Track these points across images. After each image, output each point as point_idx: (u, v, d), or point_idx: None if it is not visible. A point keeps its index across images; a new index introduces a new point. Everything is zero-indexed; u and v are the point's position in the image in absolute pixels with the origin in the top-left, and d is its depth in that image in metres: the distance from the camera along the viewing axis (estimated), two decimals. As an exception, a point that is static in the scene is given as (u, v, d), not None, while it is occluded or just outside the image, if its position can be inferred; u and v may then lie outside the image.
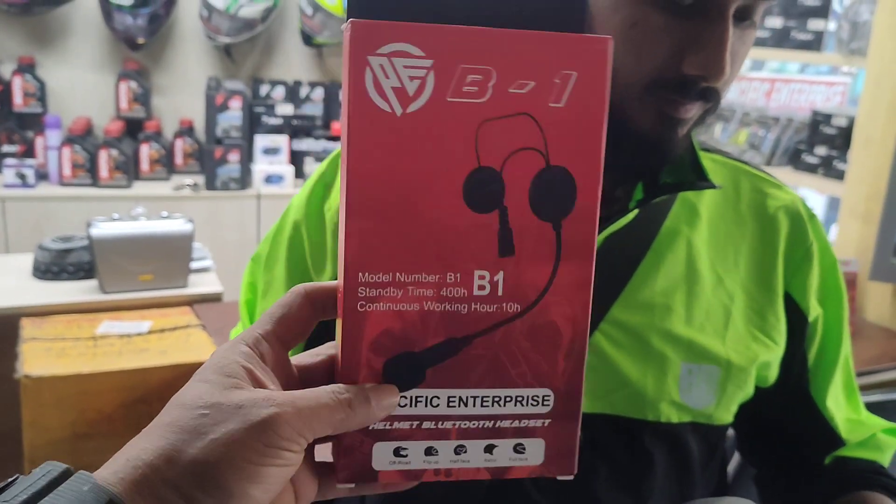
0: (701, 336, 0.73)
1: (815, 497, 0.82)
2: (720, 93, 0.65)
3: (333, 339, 0.42)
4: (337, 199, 0.76)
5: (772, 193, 0.80)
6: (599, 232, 0.70)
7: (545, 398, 0.41)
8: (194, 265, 1.88)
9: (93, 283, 1.77)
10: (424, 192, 0.37)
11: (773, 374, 0.79)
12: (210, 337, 1.60)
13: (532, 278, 0.39)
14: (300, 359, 0.43)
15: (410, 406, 0.40)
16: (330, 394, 0.38)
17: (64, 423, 1.38)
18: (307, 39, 3.23)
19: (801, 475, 0.85)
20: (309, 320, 0.41)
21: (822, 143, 2.36)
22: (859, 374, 1.76)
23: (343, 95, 0.36)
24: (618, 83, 0.62)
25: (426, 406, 0.40)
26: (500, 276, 0.39)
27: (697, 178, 0.73)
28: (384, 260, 0.38)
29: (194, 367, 1.27)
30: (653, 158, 0.69)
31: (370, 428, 0.39)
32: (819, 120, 2.39)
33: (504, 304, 0.39)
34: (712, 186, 0.72)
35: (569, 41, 0.37)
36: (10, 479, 0.35)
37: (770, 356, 0.77)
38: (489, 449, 0.41)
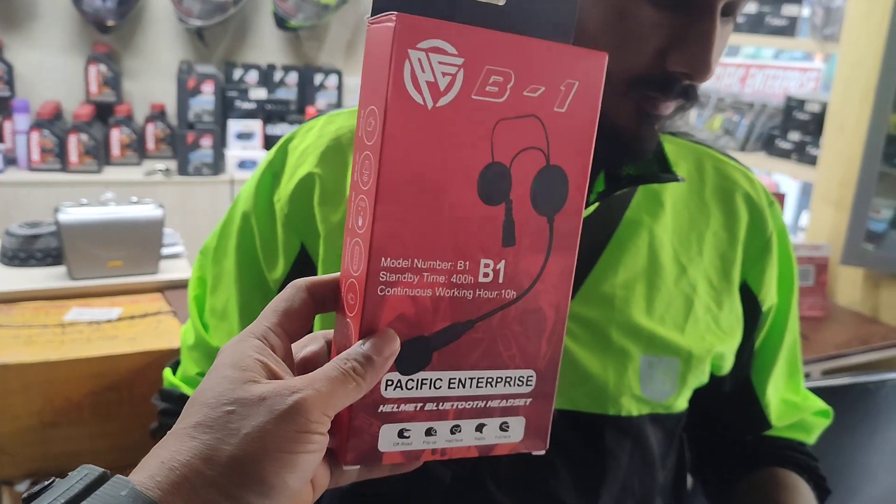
0: (661, 328, 0.72)
1: (732, 473, 0.85)
2: (698, 91, 0.64)
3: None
4: (286, 190, 0.74)
5: (735, 178, 0.80)
6: None
7: (529, 378, 0.44)
8: (165, 251, 1.85)
9: (61, 269, 1.74)
10: (445, 182, 0.39)
11: (727, 364, 0.80)
12: (181, 324, 1.58)
13: (527, 267, 0.42)
14: (297, 350, 0.43)
15: (416, 388, 0.42)
16: (336, 367, 0.38)
17: (31, 411, 1.36)
18: (280, 22, 3.19)
19: (725, 455, 0.86)
20: (311, 314, 0.42)
21: (796, 128, 2.37)
22: (830, 358, 1.78)
23: (375, 84, 0.38)
24: None
25: (430, 388, 0.42)
26: (501, 265, 0.41)
27: (660, 170, 0.72)
28: (405, 246, 0.39)
29: (165, 353, 1.24)
30: (625, 153, 0.68)
31: (379, 410, 0.41)
32: (792, 106, 2.40)
33: (503, 291, 0.42)
34: (675, 179, 0.71)
35: (574, 53, 0.40)
36: (46, 483, 0.35)
37: (725, 347, 0.77)
38: (480, 428, 0.44)
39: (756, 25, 2.53)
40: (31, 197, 2.75)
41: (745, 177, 0.80)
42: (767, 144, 2.49)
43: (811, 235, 2.19)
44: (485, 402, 0.43)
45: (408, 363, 0.41)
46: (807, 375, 1.76)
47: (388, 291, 0.39)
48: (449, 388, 0.42)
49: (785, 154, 2.41)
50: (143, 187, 2.84)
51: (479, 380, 0.43)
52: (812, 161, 2.27)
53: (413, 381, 0.41)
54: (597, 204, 0.70)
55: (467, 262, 0.41)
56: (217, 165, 3.02)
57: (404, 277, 0.40)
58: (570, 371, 0.70)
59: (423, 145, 0.38)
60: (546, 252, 0.42)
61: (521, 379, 0.44)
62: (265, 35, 3.33)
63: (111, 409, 1.42)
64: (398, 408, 0.41)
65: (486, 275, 0.41)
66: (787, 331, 0.83)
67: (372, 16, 0.39)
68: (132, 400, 1.43)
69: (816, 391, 0.93)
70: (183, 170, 2.97)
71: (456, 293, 0.41)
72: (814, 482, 0.83)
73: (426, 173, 0.39)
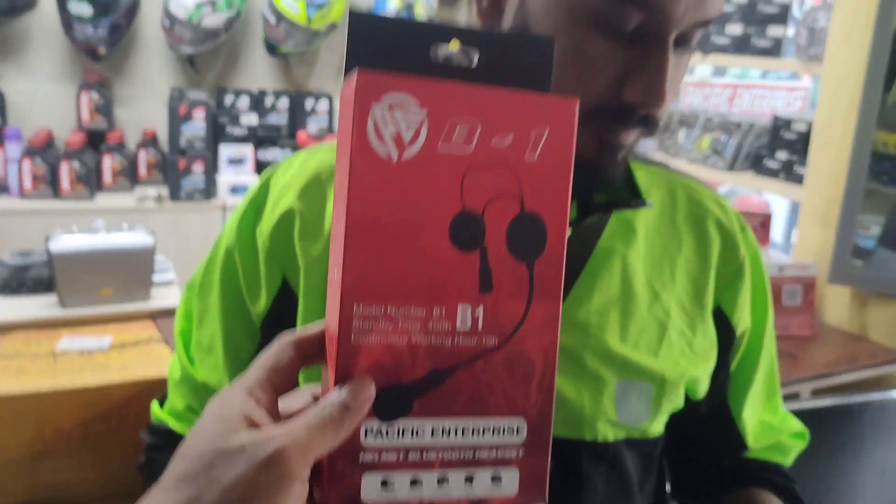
0: (635, 353, 0.73)
1: (710, 496, 0.86)
2: (658, 120, 0.65)
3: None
4: (267, 224, 0.75)
5: (707, 205, 0.81)
6: None
7: (518, 428, 0.43)
8: (157, 278, 1.86)
9: (52, 297, 1.74)
10: (416, 231, 0.40)
11: (702, 388, 0.80)
12: (172, 351, 1.58)
13: (508, 313, 0.42)
14: (286, 404, 0.44)
15: (398, 437, 0.41)
16: (313, 415, 0.39)
17: (21, 442, 1.35)
18: (271, 49, 3.21)
19: (703, 478, 0.87)
20: (297, 368, 0.43)
21: (783, 147, 2.39)
22: (819, 377, 1.79)
23: (343, 138, 0.39)
24: None
25: (412, 437, 0.41)
26: (480, 311, 0.41)
27: (631, 197, 0.73)
28: (378, 293, 0.40)
29: (155, 382, 1.24)
30: (591, 182, 0.69)
31: (360, 460, 0.41)
32: (780, 125, 2.42)
33: (483, 337, 0.42)
34: (643, 205, 0.72)
35: (543, 101, 0.41)
36: None
37: (699, 371, 0.78)
38: (469, 479, 0.42)
39: (742, 46, 2.56)
40: (23, 225, 2.75)
41: (717, 203, 0.82)
42: (755, 164, 2.52)
43: (799, 254, 2.21)
44: (472, 452, 0.42)
45: (387, 410, 0.41)
46: (796, 395, 1.76)
47: (363, 339, 0.40)
48: (432, 436, 0.42)
49: (773, 173, 2.43)
50: (134, 214, 2.85)
51: (465, 429, 0.42)
52: (799, 180, 2.29)
53: (394, 429, 0.41)
54: (569, 231, 0.71)
55: (443, 308, 0.41)
56: (209, 191, 3.03)
57: (379, 325, 0.40)
58: None
59: (391, 197, 0.39)
60: (528, 298, 0.42)
61: (510, 428, 0.43)
62: (256, 61, 3.35)
63: (101, 440, 1.41)
64: (380, 456, 0.41)
65: (464, 321, 0.41)
66: (763, 353, 0.84)
67: (345, 76, 0.40)
68: (122, 430, 1.43)
69: (801, 413, 0.94)
70: (175, 195, 2.98)
71: (434, 340, 0.41)
72: (791, 503, 0.84)
73: (396, 223, 0.40)
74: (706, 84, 2.88)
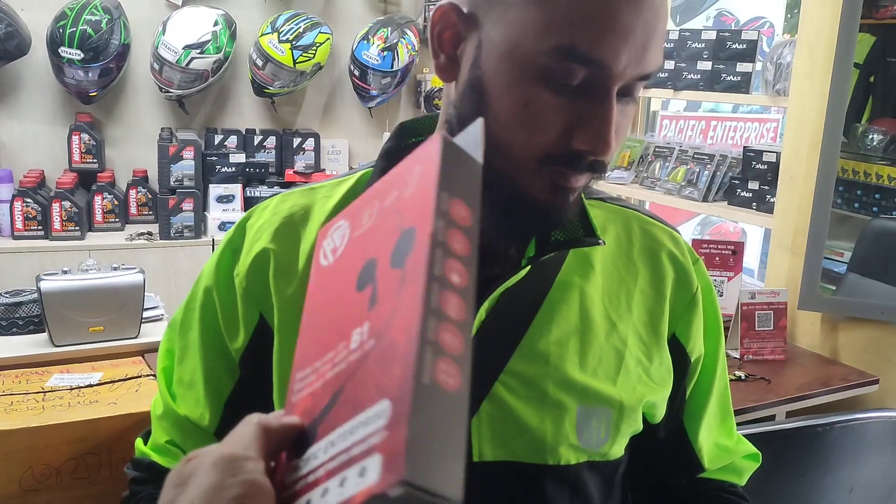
0: (594, 381, 0.77)
1: None
2: (606, 164, 0.70)
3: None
4: (244, 265, 0.81)
5: (660, 239, 0.85)
6: (494, 289, 0.75)
7: (384, 410, 0.40)
8: (146, 314, 1.90)
9: (43, 336, 1.78)
10: (339, 303, 0.50)
11: (660, 413, 0.85)
12: (160, 386, 1.62)
13: (385, 313, 0.43)
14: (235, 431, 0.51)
15: (302, 468, 0.45)
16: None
17: (11, 478, 1.38)
18: (259, 90, 3.29)
19: (662, 499, 0.92)
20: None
21: (755, 178, 2.47)
22: (793, 400, 1.84)
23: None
24: (513, 156, 0.68)
25: (312, 460, 0.44)
26: (366, 326, 0.45)
27: (585, 234, 0.78)
28: (309, 358, 0.49)
29: (144, 416, 1.29)
30: (546, 223, 0.74)
31: (282, 498, 0.45)
32: (751, 156, 2.50)
33: (365, 344, 0.44)
34: (597, 243, 0.77)
35: (418, 152, 0.48)
36: None
37: (656, 397, 0.82)
38: (342, 482, 0.40)
39: (712, 82, 2.65)
40: (15, 264, 2.80)
41: (671, 237, 0.86)
42: (729, 193, 2.59)
43: (770, 281, 2.27)
44: (347, 453, 0.41)
45: (299, 448, 0.46)
46: (771, 418, 1.81)
47: (297, 397, 0.49)
48: (324, 453, 0.43)
49: (746, 203, 2.50)
50: (125, 251, 2.90)
51: (343, 433, 0.42)
52: (771, 209, 2.36)
53: (302, 461, 0.45)
54: (528, 267, 0.76)
55: (344, 340, 0.46)
56: (198, 228, 3.09)
57: (306, 380, 0.49)
58: (510, 424, 0.75)
59: (325, 290, 0.52)
60: (399, 290, 0.43)
61: (377, 414, 0.40)
62: (244, 101, 3.43)
63: (91, 473, 1.45)
64: (293, 489, 0.45)
65: (356, 341, 0.45)
66: (717, 378, 0.89)
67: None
68: (112, 464, 1.46)
69: (767, 435, 0.98)
70: (165, 233, 3.03)
71: (336, 370, 0.46)
72: None
73: (326, 308, 0.51)
74: (680, 117, 2.96)
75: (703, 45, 2.68)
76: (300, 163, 3.41)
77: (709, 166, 2.64)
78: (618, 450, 0.82)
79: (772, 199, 2.37)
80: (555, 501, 0.77)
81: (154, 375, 1.67)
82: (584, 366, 0.78)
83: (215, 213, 3.14)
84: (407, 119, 0.85)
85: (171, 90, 3.09)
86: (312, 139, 3.45)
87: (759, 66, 2.58)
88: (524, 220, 0.72)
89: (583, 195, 0.79)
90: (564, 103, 0.66)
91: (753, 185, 2.47)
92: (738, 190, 2.52)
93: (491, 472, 0.75)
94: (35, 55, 2.99)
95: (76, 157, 3.09)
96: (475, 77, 0.69)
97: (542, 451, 0.76)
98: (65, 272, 1.76)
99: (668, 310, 0.83)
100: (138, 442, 0.90)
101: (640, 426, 0.83)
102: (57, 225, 2.91)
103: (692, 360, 0.86)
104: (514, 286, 0.76)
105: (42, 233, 2.91)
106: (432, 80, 3.62)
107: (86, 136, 3.08)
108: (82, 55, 2.88)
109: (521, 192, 0.70)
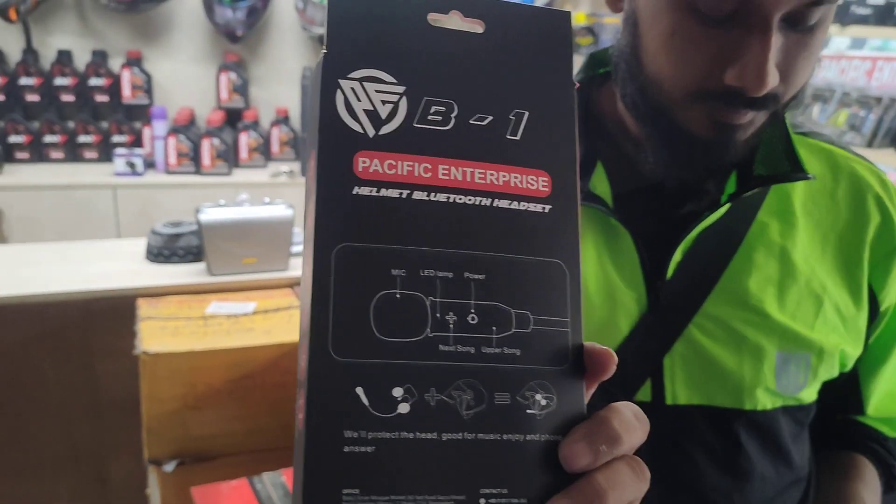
0: (794, 324, 0.74)
1: (812, 446, 0.86)
2: (779, 97, 0.64)
3: None
4: None
5: (868, 180, 0.79)
6: (691, 229, 0.72)
7: None
8: (294, 249, 1.96)
9: (201, 265, 1.87)
10: None
11: (851, 363, 0.81)
12: (310, 317, 1.67)
13: None
14: None
15: None
16: None
17: (175, 395, 1.48)
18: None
19: (812, 430, 0.87)
20: None
21: (928, 123, 2.27)
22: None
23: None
24: (664, 90, 0.65)
25: None
26: None
27: (792, 169, 0.73)
28: None
29: (296, 345, 1.34)
30: (707, 160, 0.69)
31: None
32: (924, 99, 2.30)
33: None
34: (806, 177, 0.72)
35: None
36: None
37: (850, 348, 0.78)
38: None
39: (884, 17, 2.44)
40: (168, 198, 2.95)
41: (879, 179, 0.80)
42: (896, 140, 2.40)
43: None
44: None
45: None
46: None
47: None
48: None
49: (916, 150, 2.31)
50: (268, 188, 3.00)
51: None
52: (945, 157, 2.17)
53: None
54: (728, 205, 0.72)
55: None
56: (337, 167, 3.15)
57: None
58: (706, 367, 0.73)
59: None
60: None
61: None
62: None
63: (246, 395, 1.52)
64: None
65: None
66: None
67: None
68: (265, 387, 1.53)
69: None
70: (305, 171, 3.11)
71: None
72: (885, 477, 0.84)
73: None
74: (843, 57, 2.75)
75: (877, -24, 2.47)
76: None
77: (875, 110, 2.45)
78: (812, 394, 0.79)
79: (947, 146, 2.18)
80: (747, 446, 0.75)
81: (303, 307, 1.73)
82: (784, 308, 0.74)
83: (353, 153, 3.19)
84: (593, 51, 0.83)
85: (314, 28, 3.14)
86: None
87: (939, -1, 2.35)
88: (685, 156, 0.68)
89: (790, 127, 0.74)
90: (715, 35, 0.61)
91: (926, 130, 2.27)
92: (908, 136, 2.33)
93: (684, 416, 0.73)
94: (187, -5, 3.10)
95: (224, 95, 3.20)
96: (631, 8, 0.68)
97: (738, 396, 0.74)
98: (221, 205, 1.84)
99: (867, 258, 0.78)
100: None
101: (836, 372, 0.79)
102: (207, 161, 3.03)
103: (881, 310, 0.80)
104: (712, 225, 0.73)
105: (193, 169, 3.04)
106: (576, 17, 3.51)
107: (233, 75, 3.18)
108: (231, -6, 2.95)
109: (679, 126, 0.67)
